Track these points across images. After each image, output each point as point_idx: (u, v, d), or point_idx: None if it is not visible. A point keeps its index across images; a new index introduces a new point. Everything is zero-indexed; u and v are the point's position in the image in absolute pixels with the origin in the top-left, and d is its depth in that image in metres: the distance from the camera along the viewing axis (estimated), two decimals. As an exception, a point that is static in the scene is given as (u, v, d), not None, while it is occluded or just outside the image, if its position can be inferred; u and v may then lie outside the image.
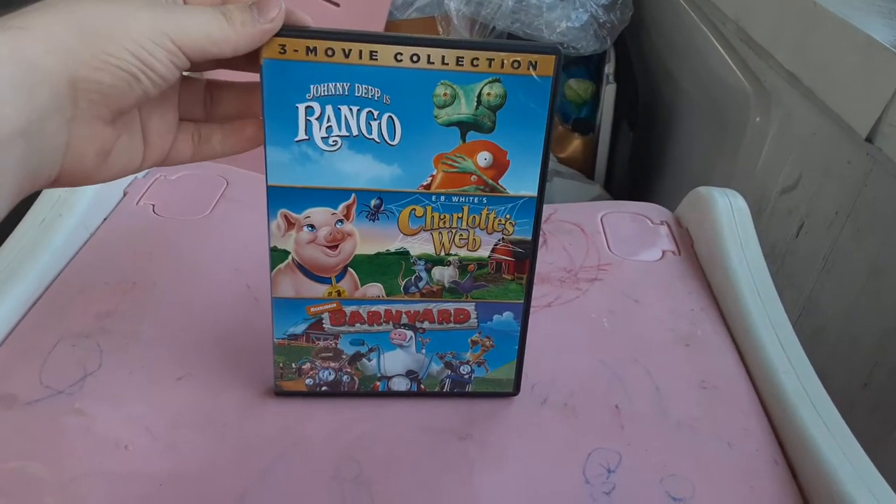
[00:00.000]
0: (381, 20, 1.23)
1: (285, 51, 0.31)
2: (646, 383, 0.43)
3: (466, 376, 0.40)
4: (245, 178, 0.59)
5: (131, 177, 0.56)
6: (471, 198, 0.35)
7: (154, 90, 0.29)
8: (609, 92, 1.28)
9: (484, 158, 0.33)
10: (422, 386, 0.40)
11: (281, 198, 0.34)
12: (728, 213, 0.53)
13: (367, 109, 0.32)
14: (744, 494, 0.36)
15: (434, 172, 0.34)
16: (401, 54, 0.31)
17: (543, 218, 0.58)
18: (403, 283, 0.37)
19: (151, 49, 0.28)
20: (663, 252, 0.54)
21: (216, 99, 0.36)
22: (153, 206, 0.54)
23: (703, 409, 0.41)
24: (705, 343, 0.46)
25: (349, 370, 0.39)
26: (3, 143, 0.25)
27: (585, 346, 0.45)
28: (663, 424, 0.40)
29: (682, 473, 0.37)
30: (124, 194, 0.55)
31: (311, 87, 0.31)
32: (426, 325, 0.38)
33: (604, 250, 0.54)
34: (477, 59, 0.31)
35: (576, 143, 1.38)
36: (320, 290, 0.37)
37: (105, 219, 0.52)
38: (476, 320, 0.38)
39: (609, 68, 1.29)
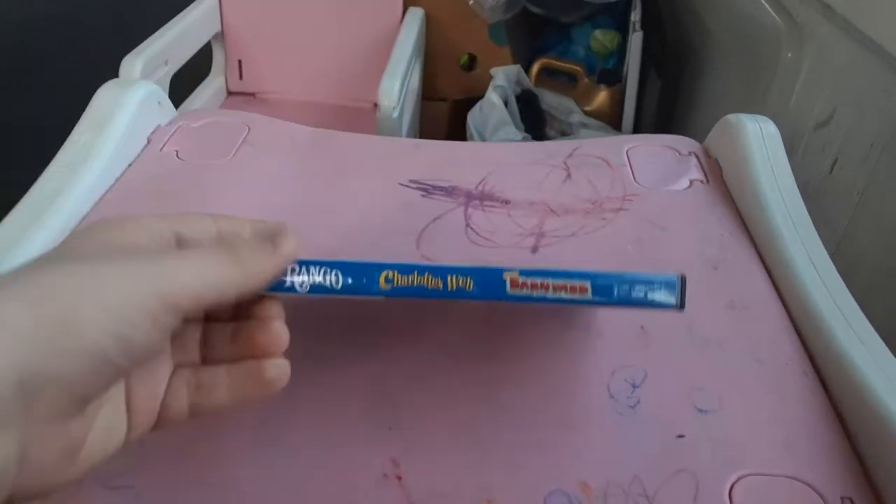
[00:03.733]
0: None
1: None
2: (672, 305, 0.42)
3: None
4: (267, 125, 0.59)
5: (154, 124, 0.57)
6: None
7: (133, 366, 0.23)
8: (636, 40, 1.26)
9: None
10: None
11: None
12: (758, 138, 0.52)
13: None
14: (772, 405, 0.36)
15: None
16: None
17: (568, 153, 0.57)
18: None
19: (131, 319, 0.22)
20: (691, 182, 0.53)
21: (209, 334, 0.29)
22: (177, 151, 0.55)
23: (732, 329, 0.40)
24: (735, 266, 0.45)
25: None
26: None
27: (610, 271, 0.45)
28: (690, 343, 0.40)
29: (708, 387, 0.37)
30: (148, 142, 0.56)
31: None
32: None
33: (630, 182, 0.54)
34: None
35: (602, 96, 1.36)
36: None
37: (130, 165, 0.53)
38: None
39: (636, 16, 1.26)
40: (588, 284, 0.29)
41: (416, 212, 0.50)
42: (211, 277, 0.24)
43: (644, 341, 0.40)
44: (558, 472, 0.33)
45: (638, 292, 0.29)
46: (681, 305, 0.30)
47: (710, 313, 0.41)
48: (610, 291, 0.29)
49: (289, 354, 0.29)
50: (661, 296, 0.29)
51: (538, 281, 0.29)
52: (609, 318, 0.41)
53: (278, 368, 0.28)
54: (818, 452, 0.34)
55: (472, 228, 0.49)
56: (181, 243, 0.27)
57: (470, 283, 0.29)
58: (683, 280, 0.30)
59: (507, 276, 0.29)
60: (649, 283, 0.29)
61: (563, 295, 0.29)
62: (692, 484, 0.32)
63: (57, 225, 0.45)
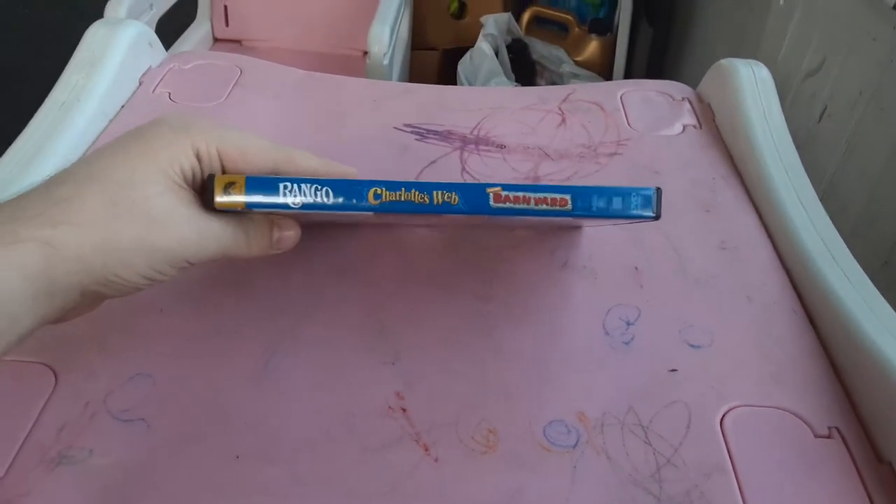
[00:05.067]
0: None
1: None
2: (665, 246, 0.43)
3: None
4: (259, 67, 0.59)
5: (146, 65, 0.56)
6: None
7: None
8: (627, -12, 1.25)
9: None
10: None
11: None
12: (751, 82, 0.52)
13: None
14: (762, 341, 0.37)
15: None
16: None
17: (562, 98, 0.58)
18: None
19: (166, 270, 0.29)
20: (684, 126, 0.54)
21: None
22: (169, 93, 0.54)
23: (723, 268, 0.41)
24: (726, 208, 0.46)
25: None
26: (9, 345, 0.26)
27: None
28: (682, 282, 0.40)
29: (700, 324, 0.38)
30: (140, 83, 0.55)
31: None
32: None
33: (623, 127, 0.54)
34: None
35: (593, 45, 1.36)
36: None
37: (123, 106, 0.52)
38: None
39: (627, -36, 1.25)
40: (568, 197, 0.30)
41: (411, 155, 0.50)
42: (228, 251, 0.31)
43: (638, 281, 0.41)
44: (556, 403, 0.34)
45: (616, 204, 0.30)
46: (657, 216, 0.31)
47: (701, 254, 0.42)
48: (589, 204, 0.30)
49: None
50: (638, 207, 0.30)
51: (520, 195, 0.30)
52: (604, 259, 0.42)
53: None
54: (806, 385, 0.35)
55: (468, 172, 0.49)
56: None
57: (455, 198, 0.30)
58: (659, 192, 0.31)
59: (491, 191, 0.30)
60: (626, 196, 0.30)
61: (545, 207, 0.30)
62: (685, 414, 0.34)
63: (53, 165, 0.44)
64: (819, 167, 0.75)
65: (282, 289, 0.39)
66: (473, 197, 0.30)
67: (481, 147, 0.51)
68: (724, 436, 0.33)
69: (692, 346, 0.37)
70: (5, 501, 0.29)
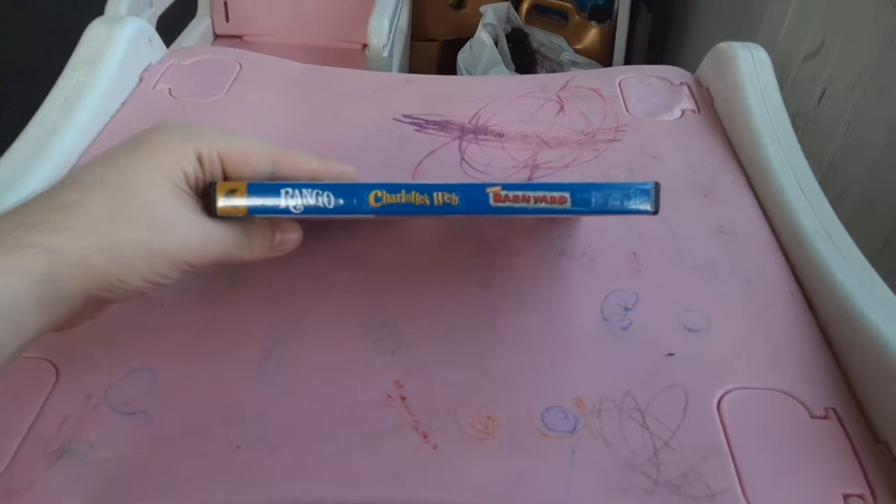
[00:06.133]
0: None
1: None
2: (663, 231, 0.43)
3: None
4: (259, 61, 0.59)
5: (146, 62, 0.57)
6: None
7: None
8: (627, -25, 1.24)
9: None
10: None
11: None
12: (750, 65, 0.52)
13: None
14: (759, 325, 0.37)
15: None
16: None
17: (560, 85, 0.58)
18: None
19: (168, 274, 0.29)
20: (683, 111, 0.54)
21: None
22: (169, 89, 0.54)
23: (721, 252, 0.41)
24: (724, 193, 0.46)
25: None
26: (14, 353, 0.26)
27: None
28: (680, 267, 0.41)
29: (698, 308, 0.38)
30: (140, 80, 0.55)
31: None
32: None
33: (622, 113, 0.54)
34: None
35: (593, 33, 1.35)
36: None
37: (123, 103, 0.53)
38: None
39: (626, -50, 1.24)
40: (567, 195, 0.30)
41: (411, 146, 0.50)
42: (230, 255, 0.31)
43: (636, 266, 0.41)
44: (554, 389, 0.34)
45: (615, 200, 0.31)
46: (656, 210, 0.31)
47: (700, 238, 0.42)
48: (588, 200, 0.30)
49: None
50: (636, 203, 0.31)
51: (520, 193, 0.30)
52: (602, 246, 0.42)
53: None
54: (803, 367, 0.35)
55: (466, 162, 0.49)
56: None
57: (455, 199, 0.30)
58: (657, 187, 0.31)
59: (490, 191, 0.30)
60: (625, 191, 0.31)
61: (544, 205, 0.30)
62: (682, 398, 0.34)
63: (57, 161, 0.45)
64: (819, 149, 0.75)
65: (282, 281, 0.40)
66: (473, 197, 0.30)
67: (480, 136, 0.51)
68: (721, 418, 0.33)
69: (690, 330, 0.37)
70: (8, 494, 0.29)
